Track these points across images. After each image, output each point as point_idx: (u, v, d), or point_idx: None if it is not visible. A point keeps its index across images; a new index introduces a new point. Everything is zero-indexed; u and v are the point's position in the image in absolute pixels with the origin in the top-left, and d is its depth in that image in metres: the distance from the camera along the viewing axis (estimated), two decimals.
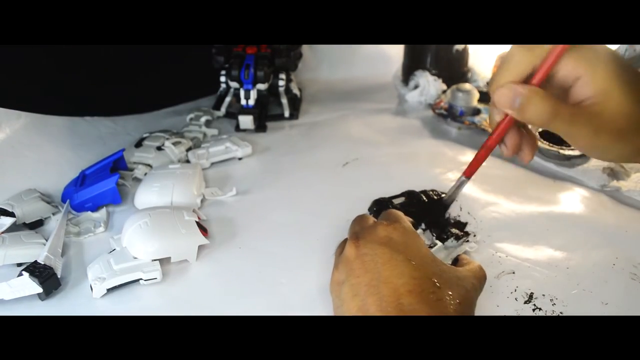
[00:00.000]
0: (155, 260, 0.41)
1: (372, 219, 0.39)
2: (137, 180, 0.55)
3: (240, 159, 0.60)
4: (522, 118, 0.32)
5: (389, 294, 0.30)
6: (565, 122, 0.31)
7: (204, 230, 0.45)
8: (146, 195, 0.50)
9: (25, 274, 0.39)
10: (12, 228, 0.46)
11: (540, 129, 0.57)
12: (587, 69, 0.31)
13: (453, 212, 0.48)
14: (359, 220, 0.39)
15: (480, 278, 0.35)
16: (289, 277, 0.41)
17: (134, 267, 0.40)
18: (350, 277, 0.33)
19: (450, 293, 0.31)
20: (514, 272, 0.41)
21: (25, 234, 0.45)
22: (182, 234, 0.43)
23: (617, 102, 0.30)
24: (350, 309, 0.31)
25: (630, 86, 0.30)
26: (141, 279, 0.40)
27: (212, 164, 0.58)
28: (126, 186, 0.54)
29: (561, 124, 0.31)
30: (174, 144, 0.59)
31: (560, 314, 0.37)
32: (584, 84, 0.31)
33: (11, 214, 0.46)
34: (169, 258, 0.42)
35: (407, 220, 0.38)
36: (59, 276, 0.40)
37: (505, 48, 0.72)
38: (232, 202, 0.52)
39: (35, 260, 0.40)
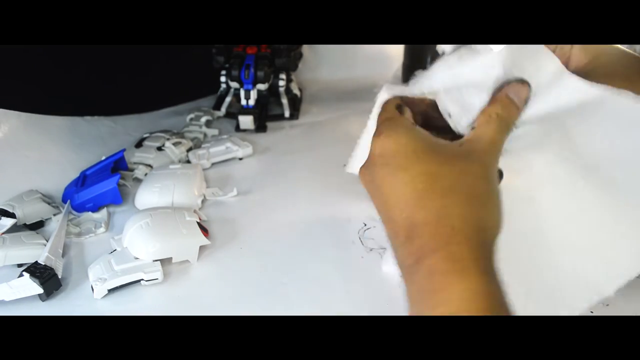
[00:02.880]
0: (156, 260, 0.41)
1: (390, 113, 0.32)
2: (138, 180, 0.55)
3: (240, 159, 0.60)
4: None
5: (396, 217, 0.27)
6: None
7: (205, 230, 0.45)
8: (147, 196, 0.50)
9: (26, 275, 0.39)
10: (13, 229, 0.46)
11: None
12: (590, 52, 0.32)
13: None
14: (381, 111, 0.33)
15: (484, 139, 0.29)
16: (290, 277, 0.41)
17: (135, 267, 0.40)
18: (376, 209, 0.30)
19: (458, 197, 0.27)
20: None
21: (25, 234, 0.45)
22: (183, 234, 0.43)
23: (611, 53, 0.32)
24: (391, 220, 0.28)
25: (618, 47, 0.33)
26: (142, 279, 0.40)
27: (213, 164, 0.58)
28: (127, 186, 0.54)
29: None
30: (175, 144, 0.59)
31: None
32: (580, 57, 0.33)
33: (12, 215, 0.46)
34: (170, 258, 0.42)
35: (403, 120, 0.31)
36: (59, 277, 0.40)
37: None
38: (233, 202, 0.52)
39: (36, 261, 0.40)
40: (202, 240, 0.43)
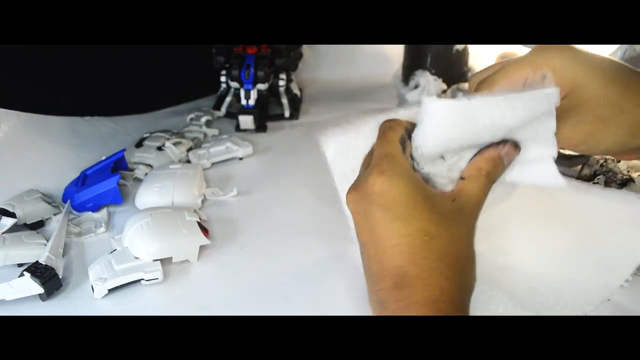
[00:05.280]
0: (156, 260, 0.41)
1: (393, 147, 0.31)
2: (138, 180, 0.55)
3: (240, 159, 0.60)
4: None
5: (387, 261, 0.29)
6: None
7: (205, 230, 0.45)
8: (147, 196, 0.50)
9: (27, 275, 0.39)
10: (13, 228, 0.46)
11: None
12: (550, 66, 0.30)
13: None
14: (378, 139, 0.32)
15: (473, 198, 0.31)
16: (290, 276, 0.41)
17: (135, 267, 0.40)
18: (357, 236, 0.31)
19: (444, 245, 0.29)
20: None
21: (26, 234, 0.45)
22: (184, 234, 0.43)
23: (589, 87, 0.30)
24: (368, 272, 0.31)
25: (602, 69, 0.30)
26: (142, 279, 0.40)
27: (213, 164, 0.58)
28: (127, 186, 0.54)
29: None
30: (175, 144, 0.59)
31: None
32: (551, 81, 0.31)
33: (12, 215, 0.46)
34: (171, 258, 0.42)
35: (404, 163, 0.31)
36: (60, 277, 0.40)
37: (506, 48, 0.72)
38: (233, 202, 0.52)
39: (37, 261, 0.40)
40: (202, 240, 0.43)
